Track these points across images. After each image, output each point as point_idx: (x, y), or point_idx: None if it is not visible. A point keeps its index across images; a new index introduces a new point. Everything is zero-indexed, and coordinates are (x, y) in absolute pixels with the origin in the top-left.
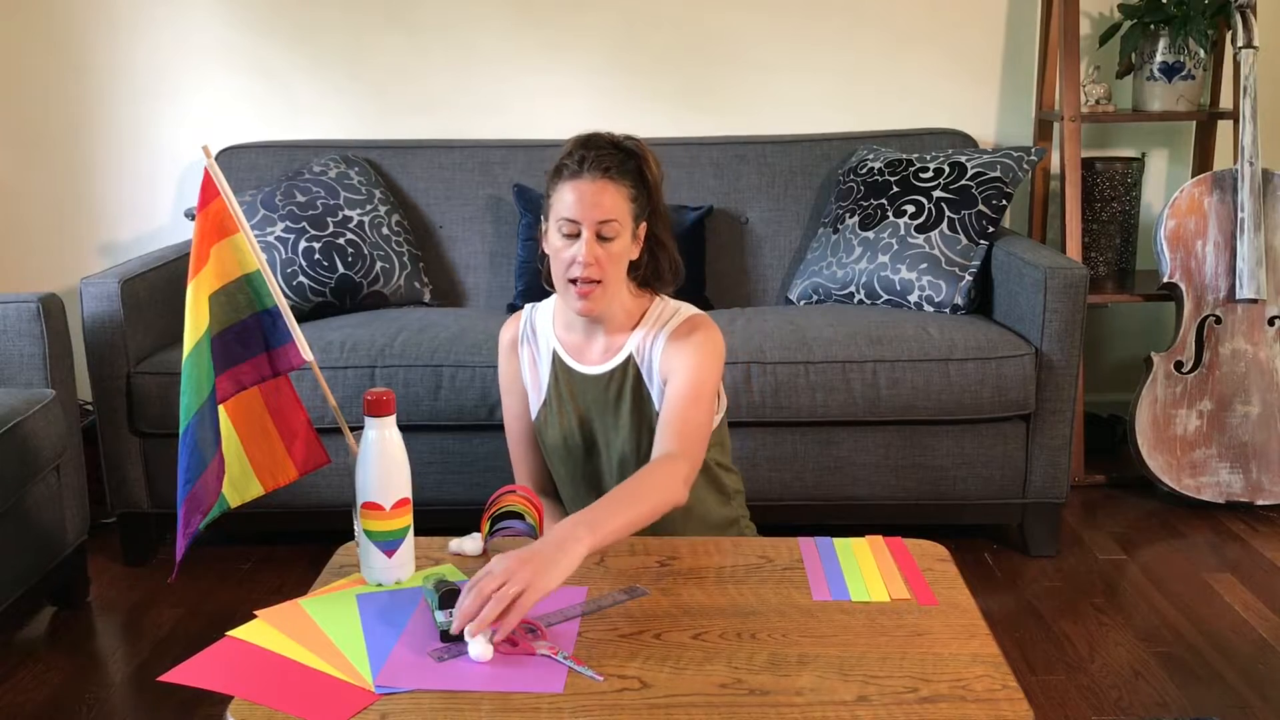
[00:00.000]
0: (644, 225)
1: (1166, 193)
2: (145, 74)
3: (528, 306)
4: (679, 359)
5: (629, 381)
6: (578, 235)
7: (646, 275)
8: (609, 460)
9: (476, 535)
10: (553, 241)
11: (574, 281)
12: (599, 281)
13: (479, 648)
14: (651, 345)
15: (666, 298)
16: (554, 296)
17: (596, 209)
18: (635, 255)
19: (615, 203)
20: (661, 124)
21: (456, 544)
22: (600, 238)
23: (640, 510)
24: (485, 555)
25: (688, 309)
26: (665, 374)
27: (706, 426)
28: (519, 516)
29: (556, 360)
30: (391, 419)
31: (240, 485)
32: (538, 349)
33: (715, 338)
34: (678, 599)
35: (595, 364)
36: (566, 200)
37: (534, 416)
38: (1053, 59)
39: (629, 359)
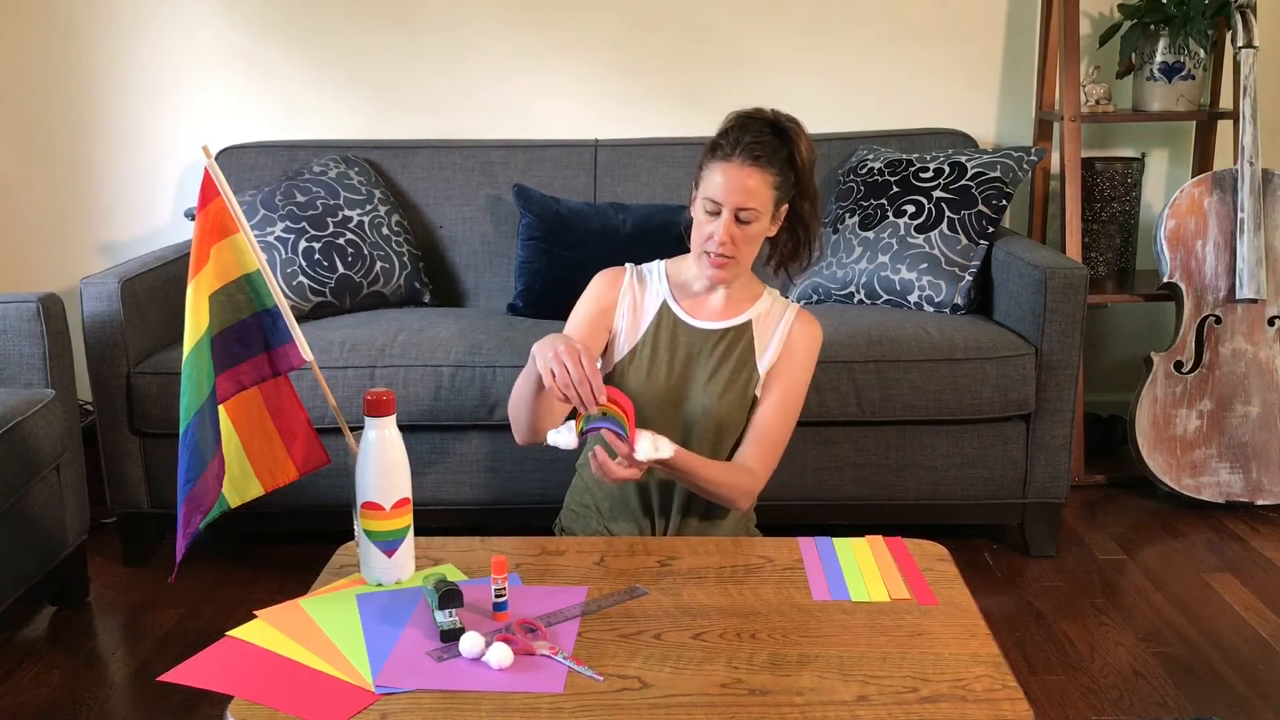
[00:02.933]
0: (785, 206)
1: (1166, 193)
2: (145, 74)
3: (629, 264)
4: (798, 365)
5: (740, 344)
6: (718, 214)
7: (784, 253)
8: (693, 414)
9: (572, 426)
10: (696, 214)
11: (708, 253)
12: (732, 257)
13: (500, 653)
14: (780, 318)
15: (777, 290)
16: (660, 263)
17: (738, 194)
18: (772, 233)
19: (758, 189)
20: (661, 124)
21: (554, 434)
22: (738, 220)
23: (712, 479)
24: (578, 449)
25: (793, 302)
26: (782, 362)
27: (786, 438)
28: (610, 419)
29: (664, 310)
30: (391, 419)
31: (240, 485)
32: (642, 299)
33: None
34: (678, 599)
35: (707, 320)
36: (714, 180)
37: (617, 360)
38: (1053, 59)
39: (747, 324)
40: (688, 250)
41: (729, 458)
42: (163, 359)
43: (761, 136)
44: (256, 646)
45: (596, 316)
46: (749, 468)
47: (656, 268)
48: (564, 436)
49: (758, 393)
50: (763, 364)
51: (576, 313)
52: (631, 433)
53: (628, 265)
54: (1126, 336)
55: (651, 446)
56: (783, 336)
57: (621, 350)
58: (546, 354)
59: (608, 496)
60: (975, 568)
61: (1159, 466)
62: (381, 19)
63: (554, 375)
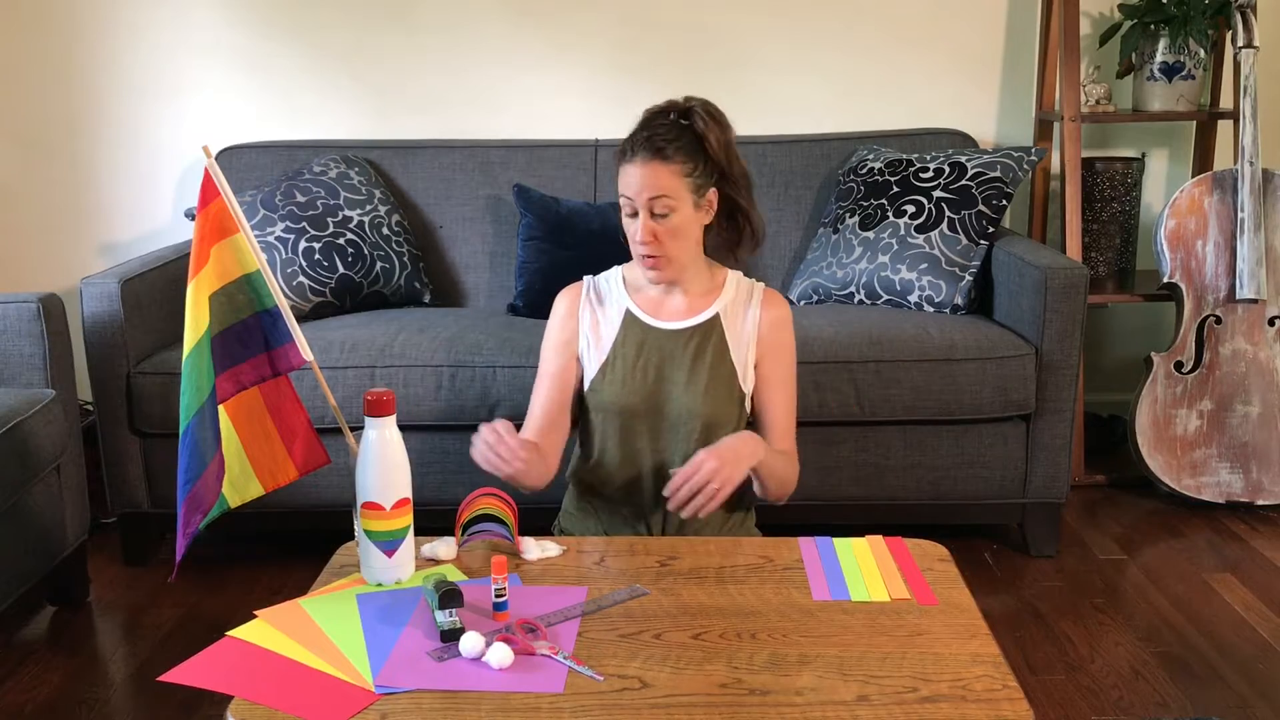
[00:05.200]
0: (713, 191)
1: (1166, 193)
2: (145, 74)
3: (587, 277)
4: (784, 345)
5: (712, 339)
6: (636, 214)
7: (728, 240)
8: (677, 416)
9: (450, 540)
10: (624, 220)
11: (641, 255)
12: (661, 255)
13: (500, 653)
14: (745, 311)
15: (739, 273)
16: (617, 270)
17: (645, 189)
18: (707, 221)
19: (666, 180)
20: None
21: (430, 549)
22: (654, 214)
23: (783, 474)
24: (459, 560)
25: (758, 283)
26: (767, 350)
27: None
28: (494, 519)
29: (629, 317)
30: (391, 419)
31: (240, 485)
32: (603, 311)
33: None
34: (678, 599)
35: (673, 320)
36: (623, 181)
37: (590, 379)
38: (1053, 59)
39: (715, 318)
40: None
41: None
42: (163, 359)
43: (660, 129)
44: (256, 646)
45: (565, 342)
46: (790, 452)
47: (614, 275)
48: (443, 548)
49: (745, 387)
50: (738, 357)
51: (546, 341)
52: (516, 534)
53: (585, 279)
54: (1126, 336)
55: (539, 548)
56: (755, 327)
57: (593, 366)
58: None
59: (606, 504)
60: (975, 568)
61: (1159, 466)
62: (381, 18)
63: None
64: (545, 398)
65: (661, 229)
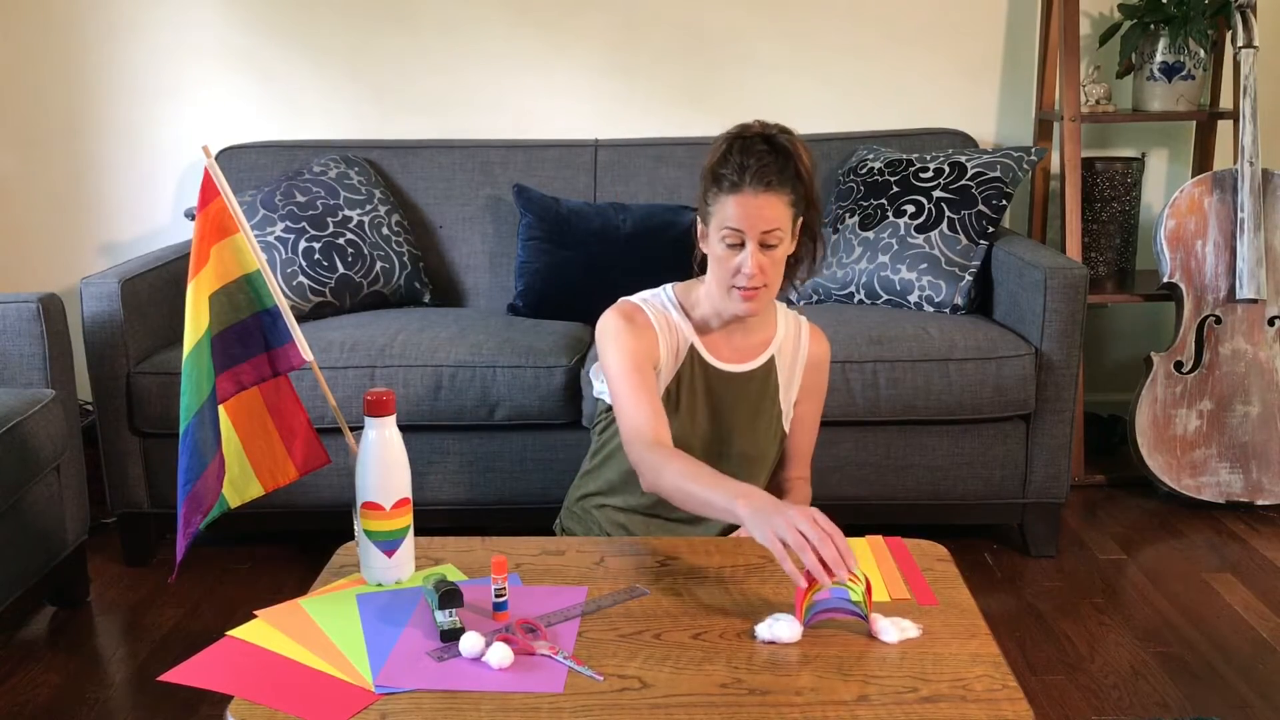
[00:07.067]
0: (800, 220)
1: (1166, 193)
2: (145, 74)
3: (640, 299)
4: (823, 386)
5: (769, 383)
6: (741, 245)
7: (795, 266)
8: (733, 460)
9: (789, 618)
10: (714, 248)
11: (738, 287)
12: (764, 286)
13: (500, 653)
14: (795, 350)
15: (783, 304)
16: (665, 290)
17: (760, 221)
18: (792, 250)
19: (778, 211)
20: (661, 124)
21: (768, 629)
22: (764, 246)
23: None
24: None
25: (801, 316)
26: (808, 392)
27: None
28: (845, 596)
29: (694, 355)
30: (391, 419)
31: (240, 485)
32: (673, 340)
33: None
34: (678, 599)
35: (735, 362)
36: (728, 212)
37: None
38: (1053, 59)
39: (771, 360)
40: (688, 260)
41: (771, 478)
42: (163, 359)
43: (765, 159)
44: (256, 646)
45: (646, 358)
46: (807, 478)
47: (670, 301)
48: (785, 628)
49: (785, 427)
50: (785, 398)
51: (625, 349)
52: (870, 610)
53: (640, 302)
54: (1126, 336)
55: (897, 629)
56: (803, 365)
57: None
58: (776, 523)
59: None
60: (975, 568)
61: (1159, 466)
62: (382, 19)
63: (799, 546)
64: (651, 394)
65: (768, 260)
